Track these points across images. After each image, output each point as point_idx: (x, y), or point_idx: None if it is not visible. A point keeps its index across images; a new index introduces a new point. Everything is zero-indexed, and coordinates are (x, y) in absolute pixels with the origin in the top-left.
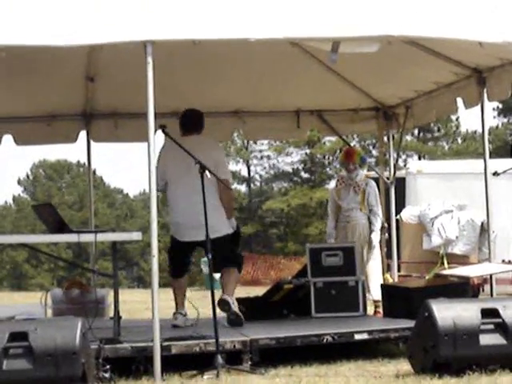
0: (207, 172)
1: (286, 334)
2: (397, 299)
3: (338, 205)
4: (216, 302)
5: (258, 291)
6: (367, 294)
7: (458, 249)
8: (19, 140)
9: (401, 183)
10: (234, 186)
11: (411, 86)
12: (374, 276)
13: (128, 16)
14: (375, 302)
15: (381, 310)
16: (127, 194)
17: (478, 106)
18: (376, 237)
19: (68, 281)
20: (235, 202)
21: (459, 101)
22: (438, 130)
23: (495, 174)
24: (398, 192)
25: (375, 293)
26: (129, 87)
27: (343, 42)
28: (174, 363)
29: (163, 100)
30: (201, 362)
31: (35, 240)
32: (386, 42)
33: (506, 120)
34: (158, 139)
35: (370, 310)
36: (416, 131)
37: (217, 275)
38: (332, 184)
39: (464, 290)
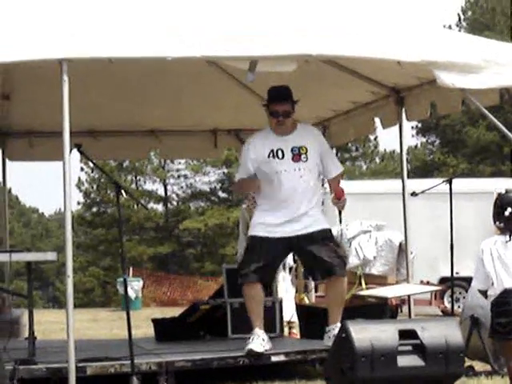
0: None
1: (202, 356)
2: (314, 320)
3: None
4: None
5: (175, 312)
6: None
7: (375, 269)
8: None
9: None
10: (151, 205)
11: (329, 105)
12: (287, 297)
13: (43, 34)
14: (289, 323)
15: (295, 330)
16: (43, 213)
17: (397, 126)
18: (290, 256)
19: None
20: (151, 221)
21: (377, 120)
22: (356, 150)
23: (413, 194)
24: None
25: (288, 314)
26: (44, 105)
27: (260, 61)
28: None
29: (79, 118)
30: (116, 383)
31: None
32: (303, 61)
33: (424, 140)
34: (73, 158)
35: (285, 331)
36: (334, 151)
37: (132, 295)
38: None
39: (382, 310)
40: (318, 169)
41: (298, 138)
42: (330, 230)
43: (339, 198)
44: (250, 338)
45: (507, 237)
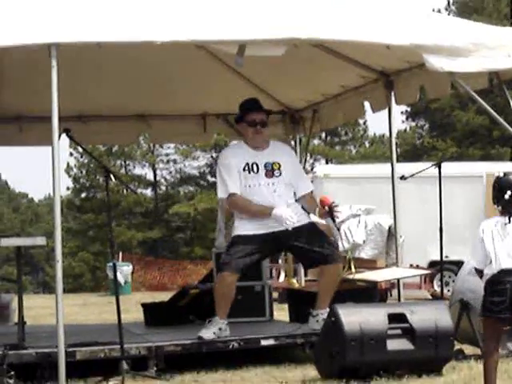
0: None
1: (191, 341)
2: (303, 304)
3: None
4: None
5: (164, 296)
6: None
7: (365, 253)
8: None
9: None
10: (140, 190)
11: (318, 89)
12: None
13: (33, 19)
14: None
15: None
16: (32, 198)
17: (386, 110)
18: None
19: None
20: (141, 206)
21: (367, 104)
22: (346, 134)
23: (402, 178)
24: None
25: None
26: (33, 90)
27: (249, 45)
28: (79, 369)
29: (68, 103)
30: (106, 367)
31: None
32: (292, 45)
33: (414, 124)
34: (62, 143)
35: (277, 315)
36: (323, 135)
37: (121, 280)
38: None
39: (371, 294)
40: (291, 184)
41: (271, 154)
42: (314, 224)
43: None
44: (208, 322)
45: (506, 219)
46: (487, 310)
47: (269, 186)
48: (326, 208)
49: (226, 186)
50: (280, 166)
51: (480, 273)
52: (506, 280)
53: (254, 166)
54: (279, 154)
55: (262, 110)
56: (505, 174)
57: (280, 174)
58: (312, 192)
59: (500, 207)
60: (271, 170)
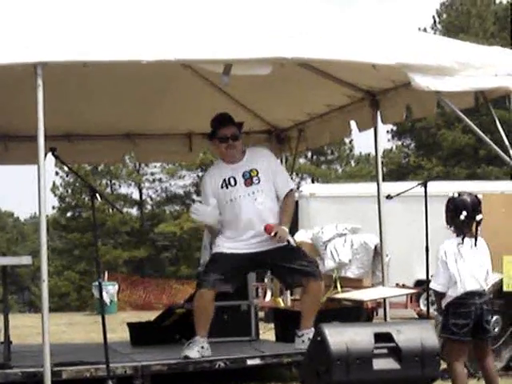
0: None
1: (177, 360)
2: (289, 323)
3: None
4: None
5: (150, 315)
6: None
7: (351, 272)
8: None
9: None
10: (126, 209)
11: (304, 108)
12: None
13: (18, 38)
14: None
15: None
16: (18, 217)
17: (372, 129)
18: None
19: None
20: (126, 225)
21: (353, 124)
22: (332, 153)
23: (388, 197)
24: None
25: None
26: (19, 109)
27: (235, 64)
28: None
29: (54, 122)
30: None
31: None
32: (278, 65)
33: (400, 143)
34: (48, 162)
35: (264, 334)
36: (309, 154)
37: (107, 299)
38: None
39: (357, 313)
40: (273, 188)
41: (247, 163)
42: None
43: (267, 233)
44: (189, 343)
45: (460, 239)
46: (450, 332)
47: (249, 195)
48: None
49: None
50: (258, 172)
51: (440, 296)
52: (470, 303)
53: (231, 179)
54: (256, 160)
55: (232, 124)
56: (459, 194)
57: (259, 180)
58: (292, 190)
59: (455, 228)
60: (250, 178)
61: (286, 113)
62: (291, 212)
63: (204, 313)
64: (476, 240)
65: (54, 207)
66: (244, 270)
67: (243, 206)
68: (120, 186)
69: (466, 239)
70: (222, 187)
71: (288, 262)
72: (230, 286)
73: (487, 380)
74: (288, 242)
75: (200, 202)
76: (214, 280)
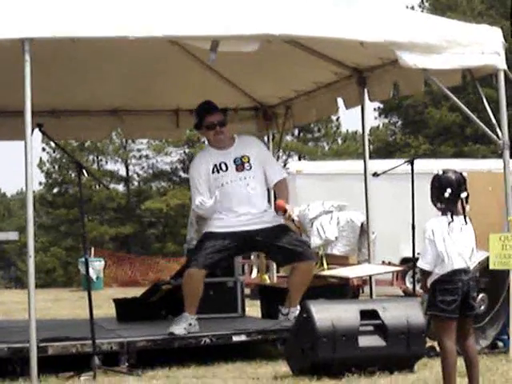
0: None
1: (163, 336)
2: (275, 300)
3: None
4: None
5: (136, 292)
6: None
7: (337, 249)
8: None
9: None
10: (112, 185)
11: (291, 85)
12: None
13: (5, 13)
14: None
15: None
16: (4, 193)
17: (359, 107)
18: None
19: None
20: (113, 201)
21: (340, 101)
22: (319, 131)
23: (375, 174)
24: None
25: None
26: (6, 85)
27: (222, 41)
28: (50, 364)
29: (41, 98)
30: (78, 363)
31: None
32: (265, 41)
33: (386, 120)
34: (34, 138)
35: (249, 311)
36: (296, 131)
37: (93, 276)
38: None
39: (343, 291)
40: (263, 175)
41: (238, 150)
42: (286, 225)
43: (281, 210)
44: (176, 320)
45: (449, 217)
46: (439, 310)
47: (241, 180)
48: (281, 213)
49: (197, 194)
50: (249, 158)
51: (427, 275)
52: (457, 279)
53: (223, 164)
54: (247, 147)
55: (218, 110)
56: (444, 172)
57: (250, 166)
58: (285, 179)
59: (441, 206)
60: (241, 164)
61: (273, 90)
62: (288, 196)
63: (193, 292)
64: (465, 218)
65: (40, 183)
66: (235, 250)
67: (235, 190)
68: (107, 163)
69: (454, 217)
70: (213, 172)
71: (280, 242)
72: (220, 267)
73: (467, 359)
74: (293, 220)
75: (195, 189)
76: (203, 260)
